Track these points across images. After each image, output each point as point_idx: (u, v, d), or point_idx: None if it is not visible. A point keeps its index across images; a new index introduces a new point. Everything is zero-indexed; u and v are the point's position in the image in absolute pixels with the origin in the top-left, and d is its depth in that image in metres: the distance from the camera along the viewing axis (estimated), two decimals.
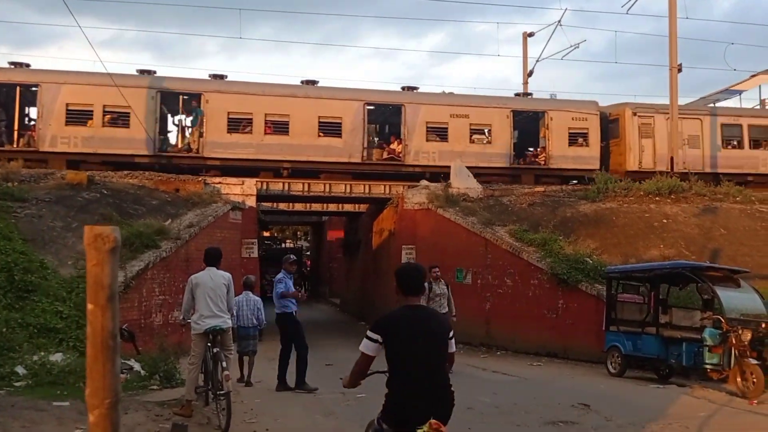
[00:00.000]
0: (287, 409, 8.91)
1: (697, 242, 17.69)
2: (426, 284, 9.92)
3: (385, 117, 24.36)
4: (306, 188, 21.79)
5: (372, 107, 22.85)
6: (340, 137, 21.94)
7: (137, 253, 14.21)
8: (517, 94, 25.31)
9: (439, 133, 22.77)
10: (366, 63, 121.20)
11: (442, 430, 3.74)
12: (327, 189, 21.97)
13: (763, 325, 11.29)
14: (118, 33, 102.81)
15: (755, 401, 9.99)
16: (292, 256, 11.64)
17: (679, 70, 22.73)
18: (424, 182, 20.98)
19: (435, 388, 4.01)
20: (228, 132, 21.22)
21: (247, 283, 12.21)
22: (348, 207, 28.50)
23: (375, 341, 4.06)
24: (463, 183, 20.62)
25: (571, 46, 29.82)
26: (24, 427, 6.77)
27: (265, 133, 21.49)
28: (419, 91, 23.78)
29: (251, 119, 21.41)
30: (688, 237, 17.91)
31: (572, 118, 23.83)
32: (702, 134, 24.63)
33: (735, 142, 25.20)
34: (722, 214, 19.22)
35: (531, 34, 31.81)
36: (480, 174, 22.13)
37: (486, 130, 23.49)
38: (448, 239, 18.95)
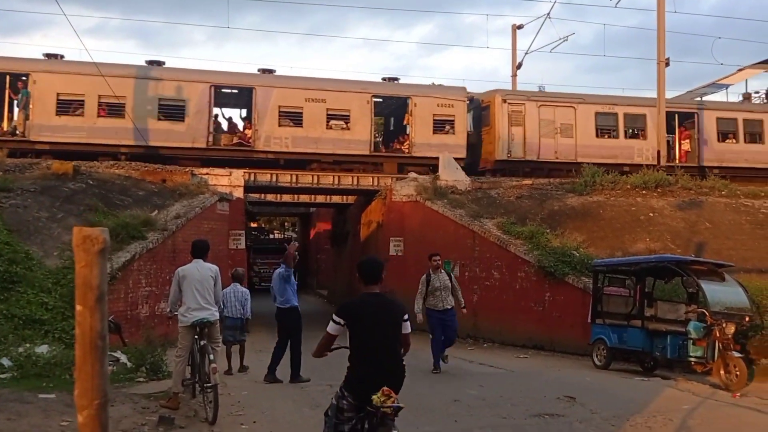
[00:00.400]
0: (274, 402, 8.91)
1: (682, 236, 17.83)
2: (424, 276, 9.89)
3: (235, 100, 23.59)
4: (294, 180, 21.72)
5: (220, 90, 22.00)
6: (183, 121, 20.96)
7: (123, 245, 14.13)
8: (384, 79, 23.85)
9: (292, 118, 21.86)
10: (354, 53, 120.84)
11: (392, 396, 4.57)
12: (315, 180, 21.91)
13: (747, 319, 11.44)
14: (103, 21, 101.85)
15: (738, 394, 10.12)
16: (296, 254, 11.15)
17: (667, 65, 22.83)
18: (412, 174, 21.00)
19: (388, 363, 4.82)
20: (57, 114, 20.05)
21: (236, 276, 12.42)
22: (336, 199, 28.48)
23: (338, 324, 4.83)
24: (451, 175, 20.65)
25: (560, 39, 29.84)
26: (9, 419, 6.73)
27: (99, 116, 20.31)
28: (277, 74, 22.75)
29: (83, 101, 20.25)
30: (673, 230, 18.05)
31: (438, 105, 22.90)
32: (575, 123, 23.91)
33: (610, 132, 24.56)
34: (708, 207, 19.38)
35: (520, 27, 31.83)
36: (339, 162, 21.74)
37: (345, 116, 22.45)
38: (436, 231, 18.98)
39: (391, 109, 24.27)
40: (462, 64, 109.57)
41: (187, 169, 19.20)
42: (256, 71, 22.52)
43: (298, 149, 21.45)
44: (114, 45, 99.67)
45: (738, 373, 10.66)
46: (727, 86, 33.82)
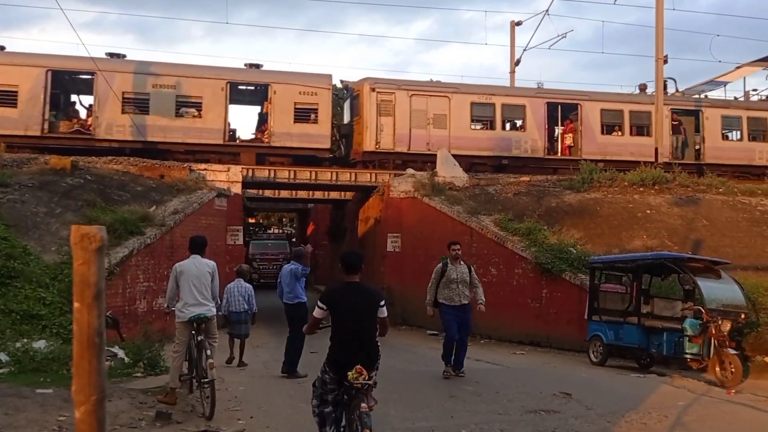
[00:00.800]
0: (271, 397, 8.95)
1: (679, 233, 17.88)
2: (440, 265, 9.75)
3: (73, 86, 22.40)
4: (292, 175, 21.72)
5: (57, 74, 20.68)
6: (16, 107, 19.88)
7: (121, 240, 14.15)
8: (247, 65, 22.79)
9: (138, 104, 20.81)
10: (352, 49, 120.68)
11: (363, 373, 5.22)
12: (313, 176, 21.92)
13: (742, 316, 11.50)
14: (100, 15, 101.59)
15: (733, 390, 10.17)
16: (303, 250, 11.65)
17: (665, 62, 22.86)
18: (410, 171, 21.01)
19: (362, 344, 5.46)
20: None
21: (240, 272, 12.75)
22: (334, 194, 28.48)
23: (322, 308, 5.62)
24: (449, 172, 20.66)
25: (558, 36, 29.85)
26: (7, 414, 6.76)
27: None
28: (126, 59, 21.80)
29: None
30: (671, 228, 18.10)
31: (300, 93, 21.89)
32: (449, 113, 22.98)
33: (487, 123, 23.78)
34: (705, 205, 19.43)
35: (519, 23, 31.80)
36: (191, 152, 20.86)
37: (197, 104, 21.42)
38: (434, 228, 19.01)
39: (251, 97, 23.38)
40: (460, 60, 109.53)
41: (186, 165, 19.21)
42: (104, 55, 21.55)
43: (144, 138, 20.39)
44: (112, 40, 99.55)
45: (733, 370, 10.73)
46: (725, 83, 33.89)
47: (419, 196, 19.63)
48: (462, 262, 10.77)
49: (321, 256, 38.52)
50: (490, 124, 23.73)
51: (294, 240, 48.65)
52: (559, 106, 24.26)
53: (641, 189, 20.15)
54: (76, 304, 2.16)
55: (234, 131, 22.62)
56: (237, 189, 19.43)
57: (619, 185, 20.26)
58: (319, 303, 5.63)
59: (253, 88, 22.98)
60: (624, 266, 13.84)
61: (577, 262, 15.61)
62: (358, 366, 5.24)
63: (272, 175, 21.57)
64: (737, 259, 15.58)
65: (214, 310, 8.18)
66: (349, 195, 27.27)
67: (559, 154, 24.24)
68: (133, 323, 13.38)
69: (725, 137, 25.83)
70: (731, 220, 18.73)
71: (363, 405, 5.26)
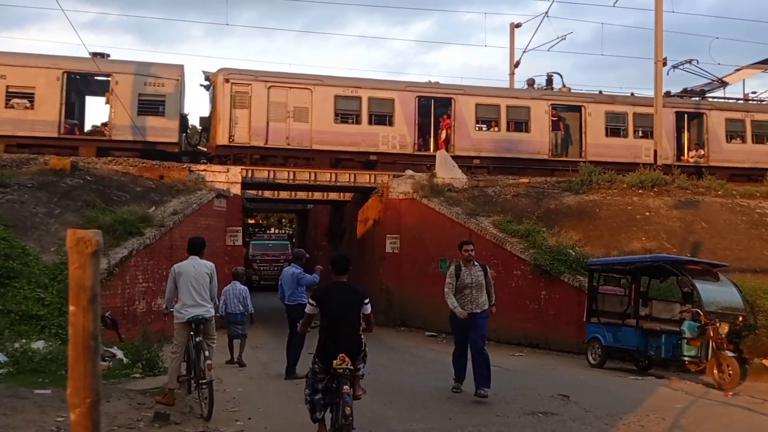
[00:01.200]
0: (269, 398, 8.95)
1: (678, 235, 17.89)
2: (453, 268, 9.57)
3: None
4: (291, 176, 21.74)
5: None
6: None
7: (121, 240, 14.18)
8: (92, 54, 21.19)
9: None
10: (352, 50, 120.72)
11: (347, 360, 6.02)
12: (312, 177, 21.92)
13: (740, 319, 11.51)
14: (100, 16, 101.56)
15: (730, 393, 10.17)
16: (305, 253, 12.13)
17: (664, 64, 22.87)
18: (409, 172, 21.02)
19: (346, 335, 6.21)
20: None
21: (236, 274, 13.13)
22: (333, 195, 28.51)
23: (313, 305, 6.38)
24: (448, 173, 20.68)
25: (558, 38, 29.88)
26: (5, 414, 6.76)
27: None
28: None
29: None
30: (669, 230, 18.11)
31: (146, 84, 20.93)
32: (311, 107, 22.03)
33: (352, 117, 22.73)
34: (704, 207, 19.43)
35: (518, 25, 31.84)
36: (24, 145, 19.68)
37: (29, 94, 20.27)
38: (433, 229, 19.03)
39: (96, 88, 22.26)
40: (460, 60, 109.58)
41: (185, 166, 19.23)
42: None
43: None
44: (112, 40, 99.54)
45: (731, 372, 10.73)
46: (724, 86, 33.87)
47: (418, 198, 19.65)
48: (476, 263, 9.78)
49: (320, 258, 38.56)
50: (356, 119, 22.67)
51: (294, 240, 48.61)
52: (432, 101, 23.56)
53: (640, 191, 20.15)
54: (71, 308, 2.17)
55: (76, 124, 21.72)
56: (236, 190, 19.45)
57: (617, 187, 20.26)
58: (311, 300, 6.46)
59: (96, 78, 21.85)
60: (622, 268, 13.85)
61: (576, 264, 15.62)
62: (342, 354, 6.03)
63: (271, 176, 21.59)
64: (735, 262, 15.60)
65: (213, 311, 8.19)
66: (348, 196, 27.30)
67: (432, 150, 23.30)
68: (132, 324, 13.40)
69: (610, 134, 24.81)
70: (730, 223, 18.74)
71: (345, 387, 6.01)
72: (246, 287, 12.90)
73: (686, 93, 27.90)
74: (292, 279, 11.06)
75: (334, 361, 6.02)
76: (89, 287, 2.14)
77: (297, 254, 11.90)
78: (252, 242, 35.07)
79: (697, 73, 27.09)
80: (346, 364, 6.02)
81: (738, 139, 25.98)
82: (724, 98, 29.33)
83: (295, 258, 11.69)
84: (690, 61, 26.47)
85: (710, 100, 27.82)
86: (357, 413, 8.00)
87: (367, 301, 6.35)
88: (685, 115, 25.76)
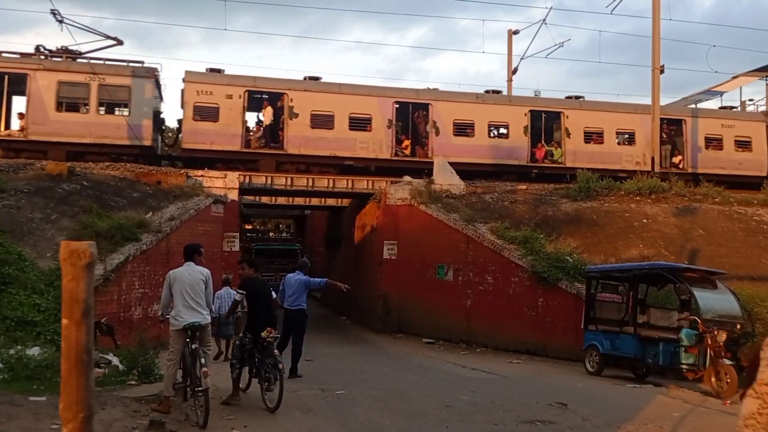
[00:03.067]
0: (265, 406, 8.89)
1: (676, 242, 17.88)
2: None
3: None
4: (289, 182, 21.73)
5: None
6: None
7: (117, 246, 14.12)
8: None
9: None
10: (349, 55, 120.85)
11: (272, 332, 8.53)
12: (310, 183, 21.93)
13: (738, 327, 11.50)
14: (97, 20, 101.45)
15: (728, 401, 10.13)
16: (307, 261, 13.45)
17: (662, 71, 22.92)
18: (407, 178, 21.01)
19: (267, 314, 8.82)
20: None
21: (226, 281, 14.20)
22: (331, 201, 28.51)
23: (242, 294, 8.89)
24: (446, 179, 20.67)
25: (555, 45, 29.91)
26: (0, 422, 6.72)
27: None
28: None
29: None
30: (667, 237, 18.10)
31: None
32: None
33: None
34: (701, 215, 19.44)
35: (516, 32, 31.91)
36: None
37: None
38: (430, 235, 19.01)
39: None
40: (457, 67, 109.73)
41: (182, 171, 19.19)
42: None
43: None
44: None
45: (729, 380, 10.71)
46: (721, 93, 33.98)
47: (416, 204, 19.63)
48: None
49: (317, 263, 38.51)
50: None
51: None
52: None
53: (638, 198, 20.16)
54: (64, 321, 2.14)
55: None
56: (234, 195, 19.41)
57: (615, 194, 20.27)
58: (239, 290, 9.04)
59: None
60: (620, 275, 13.84)
61: (574, 271, 15.61)
62: (269, 328, 8.52)
63: (269, 181, 21.57)
64: (733, 269, 15.59)
65: (209, 317, 8.14)
66: (345, 202, 27.28)
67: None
68: (128, 330, 13.34)
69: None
70: (727, 230, 18.74)
71: (275, 351, 8.55)
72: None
73: None
74: (298, 284, 11.76)
75: (263, 333, 8.43)
76: (83, 300, 2.11)
77: (302, 263, 12.72)
78: (255, 247, 33.40)
79: None
80: (273, 335, 8.53)
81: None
82: (723, 106, 29.40)
83: (300, 266, 12.39)
84: None
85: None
86: (354, 422, 8.03)
87: (272, 291, 9.34)
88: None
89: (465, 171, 21.82)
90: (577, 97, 25.46)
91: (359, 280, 22.17)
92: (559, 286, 15.59)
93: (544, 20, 28.96)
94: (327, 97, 22.52)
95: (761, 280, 15.52)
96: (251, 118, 23.33)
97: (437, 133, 23.23)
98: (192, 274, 8.00)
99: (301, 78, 23.23)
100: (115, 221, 14.56)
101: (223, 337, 13.86)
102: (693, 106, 31.22)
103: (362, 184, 22.10)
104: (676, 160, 25.23)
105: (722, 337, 11.10)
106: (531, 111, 24.13)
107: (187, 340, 7.85)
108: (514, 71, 31.45)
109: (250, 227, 45.24)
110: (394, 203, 20.17)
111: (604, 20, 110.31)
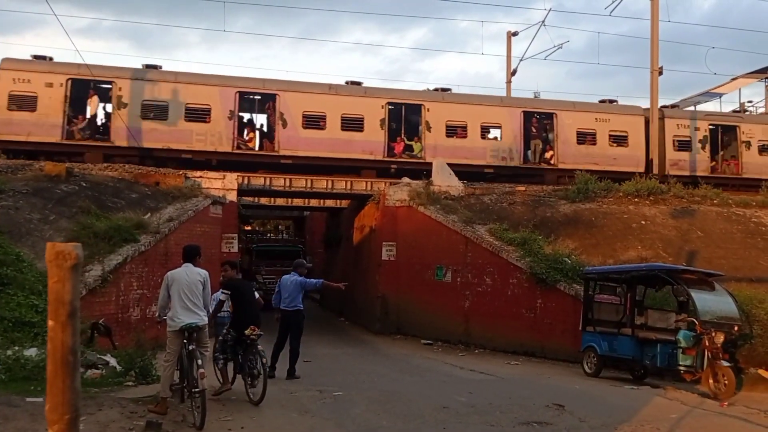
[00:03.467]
0: (263, 407, 8.87)
1: (674, 244, 17.88)
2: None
3: None
4: (287, 183, 21.73)
5: None
6: None
7: (116, 247, 14.11)
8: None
9: None
10: (348, 57, 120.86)
11: (256, 330, 8.93)
12: (308, 185, 21.92)
13: (736, 328, 11.49)
14: (95, 21, 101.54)
15: (726, 403, 10.15)
16: (306, 263, 13.60)
17: (660, 73, 22.93)
18: (405, 179, 21.02)
19: (252, 313, 9.22)
20: None
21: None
22: (329, 202, 28.51)
23: (227, 293, 9.33)
24: (444, 181, 20.68)
25: (554, 46, 29.95)
26: None
27: None
28: None
29: None
30: (665, 239, 18.10)
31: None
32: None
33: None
34: (700, 216, 19.44)
35: (515, 33, 31.95)
36: None
37: None
38: (429, 237, 19.03)
39: None
40: (457, 68, 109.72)
41: (181, 172, 19.19)
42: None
43: None
44: (107, 46, 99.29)
45: (726, 382, 10.73)
46: (720, 95, 34.02)
47: (415, 205, 19.64)
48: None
49: (316, 264, 38.49)
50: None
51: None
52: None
53: (636, 199, 20.18)
54: (50, 323, 2.14)
55: None
56: (232, 196, 19.41)
57: (614, 196, 20.28)
58: (224, 290, 9.37)
59: None
60: (618, 277, 13.83)
61: (572, 272, 15.60)
62: (252, 326, 8.94)
63: (268, 183, 21.58)
64: (731, 271, 15.58)
65: (206, 319, 8.15)
66: (344, 203, 27.28)
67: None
68: (126, 331, 13.33)
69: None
70: (726, 232, 18.74)
71: (259, 347, 8.87)
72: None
73: None
74: (294, 285, 11.67)
75: (246, 331, 8.86)
76: (68, 302, 2.11)
77: (296, 264, 12.47)
78: (256, 249, 32.07)
79: None
80: (256, 332, 8.91)
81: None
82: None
83: (295, 267, 12.20)
84: None
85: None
86: (351, 423, 8.03)
87: (255, 290, 10.08)
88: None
89: (317, 166, 21.18)
90: (443, 89, 24.30)
91: (358, 281, 22.17)
92: (558, 287, 15.59)
93: (543, 22, 29.00)
94: (161, 86, 21.38)
95: (759, 281, 15.52)
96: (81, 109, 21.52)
97: (284, 125, 22.04)
98: (190, 275, 8.01)
99: (136, 66, 22.03)
100: (113, 222, 14.55)
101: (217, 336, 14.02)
102: (692, 108, 31.25)
103: (361, 185, 22.12)
104: (548, 155, 24.17)
105: (720, 338, 11.11)
106: (389, 103, 22.91)
107: (185, 341, 7.86)
108: (513, 73, 31.47)
109: (249, 228, 45.06)
110: (393, 204, 20.18)
111: (602, 22, 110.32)
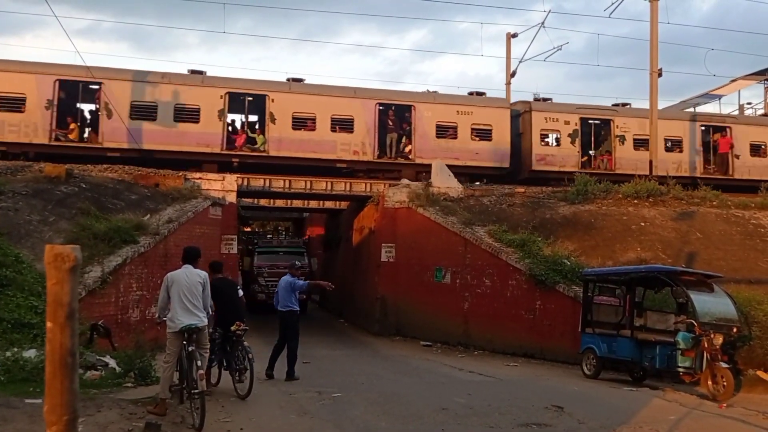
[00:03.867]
0: (261, 408, 8.89)
1: (673, 245, 17.88)
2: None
3: None
4: (287, 185, 21.73)
5: None
6: None
7: (115, 248, 14.11)
8: None
9: None
10: (347, 58, 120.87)
11: (241, 325, 9.57)
12: (308, 186, 21.92)
13: (735, 330, 11.50)
14: (95, 23, 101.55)
15: (725, 404, 10.17)
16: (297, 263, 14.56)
17: (660, 75, 22.94)
18: (405, 181, 21.03)
19: (236, 311, 9.79)
20: None
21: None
22: (329, 204, 28.51)
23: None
24: (443, 182, 20.69)
25: (554, 48, 29.97)
26: None
27: None
28: None
29: None
30: (665, 240, 18.10)
31: None
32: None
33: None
34: (699, 218, 19.44)
35: (515, 35, 31.95)
36: None
37: None
38: (428, 238, 19.03)
39: None
40: (457, 69, 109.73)
41: (180, 174, 19.20)
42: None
43: None
44: (106, 47, 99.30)
45: (725, 383, 10.74)
46: (720, 97, 34.06)
47: (414, 207, 19.65)
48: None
49: (315, 265, 38.41)
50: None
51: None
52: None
53: (635, 201, 20.18)
54: (48, 324, 2.15)
55: None
56: (232, 198, 19.41)
57: (613, 197, 20.29)
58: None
59: None
60: (617, 279, 13.84)
61: (571, 274, 15.60)
62: (238, 322, 9.54)
63: (267, 184, 21.58)
64: (730, 273, 15.58)
65: (206, 320, 8.16)
66: (344, 204, 27.28)
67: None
68: (126, 332, 13.33)
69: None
70: (725, 234, 18.74)
71: (245, 342, 9.49)
72: None
73: None
74: (285, 285, 11.81)
75: (232, 327, 9.47)
76: (67, 303, 2.12)
77: (289, 265, 13.12)
78: (257, 250, 30.78)
79: None
80: (242, 328, 9.53)
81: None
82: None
83: (289, 268, 12.57)
84: None
85: None
86: (350, 424, 8.04)
87: (239, 288, 10.46)
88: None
89: (148, 160, 20.34)
90: (295, 80, 23.24)
91: (357, 283, 22.19)
92: (557, 289, 15.59)
93: (542, 23, 29.02)
94: None
95: (758, 283, 15.51)
96: None
97: (109, 116, 20.73)
98: (189, 276, 8.03)
99: None
100: (113, 223, 14.55)
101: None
102: (692, 109, 31.28)
103: (360, 186, 22.14)
104: (407, 149, 23.51)
105: (719, 340, 11.13)
106: (229, 93, 21.87)
107: (184, 342, 7.87)
108: (513, 74, 31.49)
109: (248, 230, 44.84)
110: (392, 206, 20.19)
111: (602, 23, 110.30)
